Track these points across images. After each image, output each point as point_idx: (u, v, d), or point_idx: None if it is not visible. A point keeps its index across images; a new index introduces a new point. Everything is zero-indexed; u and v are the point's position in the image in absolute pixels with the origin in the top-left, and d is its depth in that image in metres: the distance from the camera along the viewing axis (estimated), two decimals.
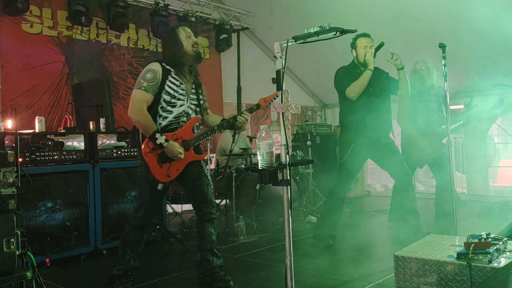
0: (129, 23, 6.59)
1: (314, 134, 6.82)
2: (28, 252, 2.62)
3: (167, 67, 3.24)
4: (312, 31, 2.28)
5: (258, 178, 2.18)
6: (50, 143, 4.05)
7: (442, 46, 3.89)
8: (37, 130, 4.17)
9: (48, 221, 3.98)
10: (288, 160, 2.13)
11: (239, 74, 8.20)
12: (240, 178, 5.39)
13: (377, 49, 4.18)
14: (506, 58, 4.69)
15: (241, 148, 5.83)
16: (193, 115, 3.33)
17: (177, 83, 3.24)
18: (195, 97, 3.35)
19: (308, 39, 2.33)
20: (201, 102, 3.39)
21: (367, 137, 4.23)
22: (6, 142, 3.85)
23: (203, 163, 3.44)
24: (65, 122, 5.11)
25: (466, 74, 6.53)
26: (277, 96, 2.93)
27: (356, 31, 2.75)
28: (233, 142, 5.48)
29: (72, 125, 5.06)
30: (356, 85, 4.19)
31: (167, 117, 3.22)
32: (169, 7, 6.88)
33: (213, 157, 5.95)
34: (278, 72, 2.19)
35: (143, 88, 3.15)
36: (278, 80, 2.20)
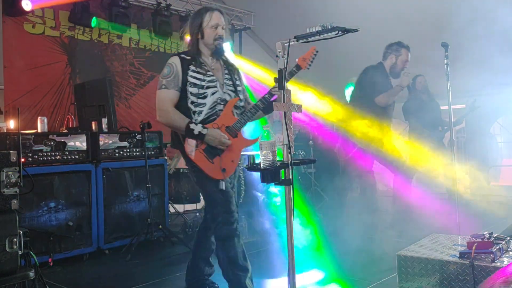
0: (131, 23, 6.60)
1: (316, 133, 6.82)
2: (31, 252, 2.62)
3: (188, 57, 2.92)
4: (314, 30, 2.28)
5: (260, 178, 2.17)
6: (52, 143, 4.06)
7: (444, 45, 3.89)
8: (39, 130, 4.18)
9: (51, 221, 3.99)
10: (290, 160, 2.13)
11: None
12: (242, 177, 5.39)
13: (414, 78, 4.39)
14: (508, 58, 4.69)
15: None
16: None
17: (203, 71, 2.89)
18: (230, 82, 2.99)
19: (310, 39, 2.33)
20: (239, 88, 3.04)
21: None
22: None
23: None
24: (67, 122, 5.11)
25: (469, 73, 6.51)
26: (317, 52, 2.80)
27: (358, 30, 2.74)
28: None
29: (75, 125, 5.07)
30: (388, 97, 4.35)
31: (202, 110, 2.85)
32: (171, 7, 6.89)
33: None
34: (280, 71, 2.19)
35: (163, 86, 2.87)
36: (280, 80, 2.19)
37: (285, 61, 2.19)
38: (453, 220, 3.92)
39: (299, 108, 2.27)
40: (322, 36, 2.28)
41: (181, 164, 6.05)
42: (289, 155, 2.13)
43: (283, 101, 2.15)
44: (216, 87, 2.90)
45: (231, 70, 3.05)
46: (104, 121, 4.52)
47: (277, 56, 2.21)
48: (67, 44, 6.09)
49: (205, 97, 2.87)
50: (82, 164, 4.24)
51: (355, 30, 2.44)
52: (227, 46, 3.21)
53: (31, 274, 2.53)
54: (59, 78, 5.99)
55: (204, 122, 2.83)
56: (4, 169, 2.46)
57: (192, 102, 2.86)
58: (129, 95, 6.73)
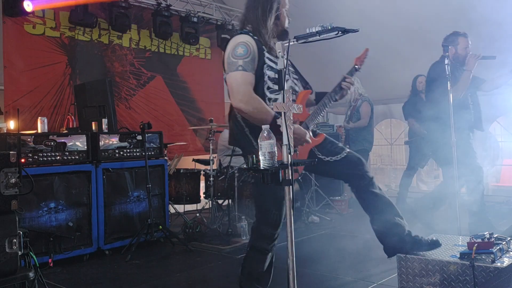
0: (131, 23, 6.60)
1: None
2: (30, 253, 2.62)
3: (255, 37, 2.56)
4: (314, 30, 2.28)
5: (260, 179, 2.17)
6: (52, 143, 4.06)
7: (444, 46, 3.89)
8: (39, 131, 4.18)
9: (51, 222, 3.99)
10: (290, 160, 2.13)
11: None
12: (242, 178, 5.39)
13: (486, 58, 4.23)
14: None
15: None
16: (299, 91, 2.74)
17: (275, 54, 2.54)
18: (293, 69, 2.76)
19: (310, 39, 2.33)
20: (302, 76, 2.82)
21: None
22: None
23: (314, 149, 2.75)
24: (67, 122, 5.11)
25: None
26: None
27: (358, 31, 2.74)
28: None
29: (75, 126, 5.07)
30: (460, 87, 4.24)
31: (277, 98, 2.45)
32: (171, 7, 6.88)
33: (215, 157, 5.94)
34: (280, 71, 2.18)
35: (240, 68, 2.44)
36: (280, 80, 2.19)
37: (285, 61, 2.19)
38: (453, 220, 3.91)
39: (299, 108, 2.26)
40: (321, 37, 2.27)
41: (181, 164, 6.06)
42: (289, 155, 2.12)
43: (283, 101, 2.14)
44: (287, 73, 2.59)
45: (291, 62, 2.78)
46: (104, 121, 4.52)
47: (276, 57, 2.21)
48: (67, 44, 6.09)
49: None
50: (82, 164, 4.24)
51: (355, 31, 2.43)
52: None
53: (31, 274, 2.53)
54: (59, 78, 5.99)
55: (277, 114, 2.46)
56: (4, 169, 2.46)
57: (269, 88, 2.51)
58: (129, 96, 6.73)
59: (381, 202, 2.73)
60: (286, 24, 2.72)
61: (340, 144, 2.86)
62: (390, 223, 2.69)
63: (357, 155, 2.81)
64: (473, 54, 4.27)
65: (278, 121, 2.36)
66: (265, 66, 2.53)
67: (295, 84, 2.75)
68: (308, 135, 2.55)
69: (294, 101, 2.67)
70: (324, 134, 2.81)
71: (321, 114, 2.84)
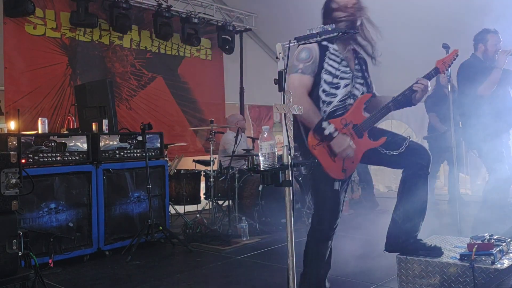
0: (132, 24, 6.61)
1: None
2: (31, 253, 2.62)
3: (324, 43, 2.67)
4: (314, 32, 2.28)
5: (260, 179, 2.17)
6: (53, 144, 4.06)
7: (446, 47, 3.89)
8: (40, 131, 4.18)
9: (51, 222, 3.99)
10: (290, 161, 2.13)
11: (241, 75, 8.21)
12: (243, 179, 5.39)
13: None
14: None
15: (243, 149, 5.83)
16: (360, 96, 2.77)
17: (338, 59, 2.69)
18: (360, 74, 2.79)
19: (310, 40, 2.33)
20: (369, 80, 2.83)
21: None
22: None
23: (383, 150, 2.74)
24: (68, 123, 5.12)
25: None
26: (457, 55, 2.71)
27: (358, 32, 2.74)
28: (236, 143, 5.53)
29: (75, 126, 5.07)
30: (489, 84, 4.16)
31: (332, 101, 2.65)
32: (172, 8, 6.89)
33: (215, 158, 5.95)
34: (280, 73, 2.18)
35: (299, 71, 2.64)
36: (280, 81, 2.19)
37: (285, 62, 2.19)
38: (453, 221, 3.91)
39: (299, 110, 2.27)
40: (322, 38, 2.28)
41: (182, 165, 6.07)
42: (289, 156, 2.12)
43: (283, 103, 2.14)
44: (349, 79, 2.71)
45: (361, 60, 2.83)
46: (105, 122, 4.52)
47: (277, 58, 2.21)
48: (68, 45, 6.10)
49: (337, 88, 2.68)
50: (83, 165, 4.24)
51: (355, 32, 2.43)
52: None
53: (31, 275, 2.53)
54: (60, 79, 5.99)
55: (330, 116, 2.65)
56: (4, 170, 2.47)
57: (324, 91, 2.66)
58: (130, 96, 6.74)
59: (419, 198, 2.71)
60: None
61: (403, 135, 2.84)
62: (410, 220, 2.71)
63: (419, 143, 2.81)
64: (503, 50, 4.18)
65: (323, 124, 2.54)
66: (323, 70, 2.67)
67: (356, 88, 2.76)
68: (352, 148, 2.59)
69: (350, 105, 2.71)
70: (385, 137, 2.71)
71: (381, 118, 2.72)
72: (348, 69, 2.72)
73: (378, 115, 2.70)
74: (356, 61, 2.79)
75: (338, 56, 2.70)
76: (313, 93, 2.66)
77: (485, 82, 4.16)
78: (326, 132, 2.55)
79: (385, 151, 2.71)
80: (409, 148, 2.69)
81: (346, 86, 2.69)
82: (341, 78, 2.69)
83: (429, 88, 2.71)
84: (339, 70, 2.69)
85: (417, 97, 2.68)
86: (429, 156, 2.72)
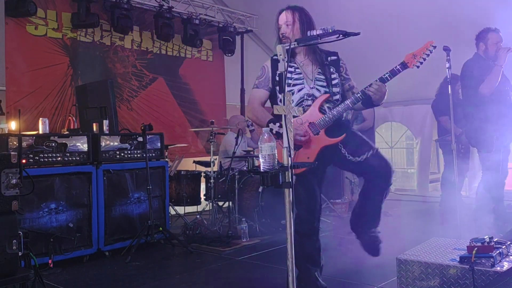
0: (133, 25, 6.62)
1: None
2: (30, 253, 2.62)
3: (274, 57, 2.94)
4: (314, 34, 2.29)
5: (260, 181, 2.17)
6: (53, 144, 4.07)
7: (446, 49, 3.89)
8: (41, 132, 4.19)
9: (51, 222, 3.99)
10: (290, 163, 2.13)
11: (242, 76, 8.21)
12: (243, 180, 5.39)
13: None
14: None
15: (244, 151, 5.83)
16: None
17: (291, 69, 2.97)
18: (323, 77, 2.97)
19: (311, 42, 2.34)
20: (334, 81, 2.99)
21: None
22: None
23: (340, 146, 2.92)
24: (68, 123, 5.12)
25: None
26: (434, 47, 2.72)
27: (359, 34, 2.74)
28: (236, 144, 5.53)
29: (76, 127, 5.08)
30: (490, 82, 4.17)
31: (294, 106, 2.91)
32: (173, 9, 6.90)
33: (216, 159, 5.95)
34: (280, 74, 2.19)
35: (255, 86, 3.10)
36: (280, 83, 2.20)
37: (286, 64, 2.20)
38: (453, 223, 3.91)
39: (299, 111, 2.27)
40: (322, 40, 2.28)
41: (182, 166, 6.07)
42: (289, 158, 2.13)
43: (283, 104, 2.15)
44: (302, 84, 2.96)
45: (327, 63, 3.02)
46: (105, 122, 4.52)
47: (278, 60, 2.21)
48: (69, 45, 6.11)
49: (292, 94, 2.93)
50: (83, 165, 4.25)
51: (356, 34, 2.44)
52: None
53: (31, 275, 2.53)
54: (61, 79, 6.00)
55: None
56: (4, 170, 2.47)
57: (281, 100, 2.79)
58: (131, 97, 6.75)
59: (374, 205, 2.98)
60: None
61: (370, 143, 2.98)
62: (366, 219, 3.04)
63: (383, 157, 2.94)
64: (503, 48, 4.20)
65: (270, 125, 2.84)
66: (275, 82, 2.94)
67: (318, 90, 2.96)
68: (299, 135, 2.80)
69: (308, 106, 2.91)
70: (344, 135, 2.85)
71: (338, 116, 2.87)
72: (301, 75, 2.98)
73: (335, 113, 2.86)
74: (319, 66, 3.00)
75: (291, 66, 2.99)
76: (274, 104, 3.02)
77: (486, 80, 4.17)
78: (274, 131, 2.81)
79: (350, 157, 2.90)
80: (372, 158, 2.87)
81: (300, 90, 2.95)
82: (294, 85, 2.95)
83: (385, 90, 2.80)
84: (291, 78, 2.96)
85: (375, 99, 2.82)
86: (389, 170, 2.90)
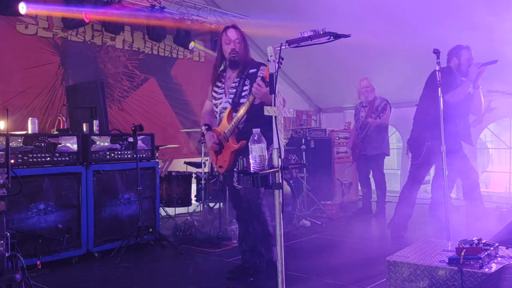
0: (125, 25, 6.58)
1: (309, 138, 6.82)
2: (18, 254, 2.59)
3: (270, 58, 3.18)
4: (305, 35, 2.29)
5: (250, 182, 2.17)
6: (43, 144, 4.03)
7: (436, 52, 3.91)
8: (30, 132, 4.15)
9: (40, 223, 3.95)
10: (280, 164, 2.13)
11: None
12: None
13: (487, 64, 4.29)
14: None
15: None
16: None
17: (220, 84, 3.44)
18: (233, 90, 3.35)
19: (302, 43, 2.34)
20: (244, 93, 3.29)
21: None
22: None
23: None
24: (58, 123, 5.08)
25: None
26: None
27: (350, 36, 2.75)
28: None
29: (66, 127, 5.04)
30: (458, 93, 4.34)
31: (217, 117, 3.47)
32: (165, 10, 6.87)
33: (207, 160, 5.94)
34: (271, 75, 2.19)
35: (207, 98, 3.59)
36: (271, 84, 2.20)
37: (277, 65, 2.20)
38: (443, 226, 3.93)
39: (290, 112, 2.28)
40: (313, 41, 2.29)
41: (173, 167, 6.05)
42: (279, 159, 2.13)
43: (274, 105, 2.15)
44: (221, 98, 3.38)
45: (245, 77, 3.32)
46: (96, 123, 4.49)
47: (268, 60, 2.22)
48: (60, 45, 6.06)
49: (217, 107, 3.41)
50: (73, 166, 4.21)
51: (346, 36, 2.44)
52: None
53: (18, 276, 2.50)
54: (51, 79, 5.95)
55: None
56: None
57: (216, 112, 3.47)
58: (122, 97, 6.71)
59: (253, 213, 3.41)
60: (227, 55, 3.38)
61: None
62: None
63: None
64: (475, 63, 4.36)
65: (202, 128, 3.48)
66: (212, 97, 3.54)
67: (229, 103, 3.34)
68: (212, 142, 3.34)
69: (222, 118, 3.39)
70: (244, 141, 3.17)
71: (235, 125, 3.26)
72: (223, 90, 3.40)
73: (232, 123, 3.26)
74: (237, 79, 3.34)
75: (221, 82, 3.42)
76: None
77: (457, 90, 4.35)
78: (202, 131, 3.43)
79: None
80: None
81: (220, 104, 3.41)
82: (217, 99, 3.43)
83: (265, 90, 2.94)
84: (217, 92, 3.43)
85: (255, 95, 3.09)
86: (257, 191, 3.29)
